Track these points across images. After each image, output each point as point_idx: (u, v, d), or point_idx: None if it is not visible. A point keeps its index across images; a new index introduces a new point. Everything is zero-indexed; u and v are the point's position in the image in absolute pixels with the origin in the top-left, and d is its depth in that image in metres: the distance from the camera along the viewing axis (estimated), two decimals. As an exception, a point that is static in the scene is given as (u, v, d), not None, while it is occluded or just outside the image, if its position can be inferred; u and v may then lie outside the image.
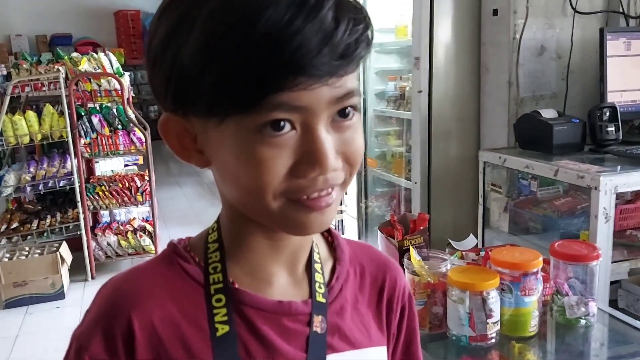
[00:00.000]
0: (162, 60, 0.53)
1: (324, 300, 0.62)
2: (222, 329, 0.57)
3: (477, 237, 1.95)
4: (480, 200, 2.11)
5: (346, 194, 5.45)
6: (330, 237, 0.69)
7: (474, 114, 2.37)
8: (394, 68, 3.03)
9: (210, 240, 0.61)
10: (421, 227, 1.45)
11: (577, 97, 2.19)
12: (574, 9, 2.14)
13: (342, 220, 5.00)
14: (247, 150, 0.51)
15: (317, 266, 0.64)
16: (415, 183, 2.40)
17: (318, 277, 0.63)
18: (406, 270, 1.36)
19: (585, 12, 2.16)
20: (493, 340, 1.26)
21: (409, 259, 1.36)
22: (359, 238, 3.29)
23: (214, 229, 0.62)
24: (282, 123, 0.50)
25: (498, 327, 1.27)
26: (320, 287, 0.63)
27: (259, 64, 0.47)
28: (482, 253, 1.60)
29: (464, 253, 1.63)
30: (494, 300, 1.27)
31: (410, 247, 1.38)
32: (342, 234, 4.79)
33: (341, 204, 5.01)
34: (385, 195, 3.23)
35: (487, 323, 1.25)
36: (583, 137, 1.96)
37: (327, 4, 0.48)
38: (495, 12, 2.19)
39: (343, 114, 0.54)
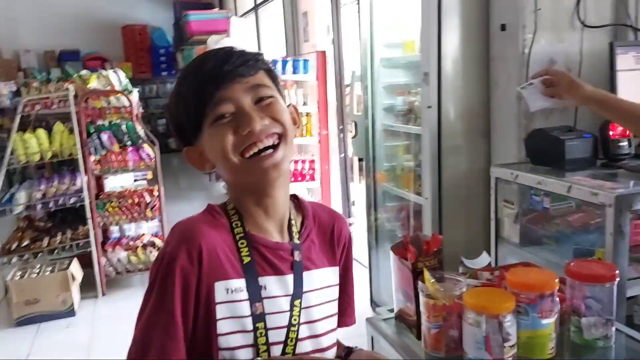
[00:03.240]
0: (170, 118, 1.04)
1: (298, 242, 1.05)
2: (246, 259, 0.97)
3: (489, 253, 1.94)
4: (493, 215, 2.10)
5: (354, 205, 5.45)
6: (298, 202, 1.12)
7: (484, 129, 2.36)
8: (402, 82, 3.03)
9: (229, 207, 1.03)
10: (435, 249, 1.44)
11: (587, 111, 2.17)
12: (582, 22, 2.14)
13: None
14: (214, 134, 0.96)
15: (292, 222, 1.07)
16: (427, 199, 2.39)
17: (294, 228, 1.06)
18: (420, 293, 1.35)
19: (594, 26, 2.15)
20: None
21: (423, 281, 1.35)
22: (370, 252, 3.27)
23: (230, 200, 1.04)
24: (225, 114, 0.95)
25: (515, 350, 1.26)
26: (296, 234, 1.06)
27: (202, 86, 0.96)
28: (497, 272, 1.58)
29: (477, 272, 1.61)
30: (510, 323, 1.25)
31: (424, 270, 1.36)
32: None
33: (349, 217, 5.01)
34: (394, 210, 3.21)
35: (504, 346, 1.24)
36: (595, 152, 1.95)
37: (225, 50, 0.98)
38: (503, 27, 2.19)
39: (261, 101, 0.97)
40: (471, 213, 2.37)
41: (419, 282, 1.36)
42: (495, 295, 1.32)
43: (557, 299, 1.30)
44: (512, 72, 2.18)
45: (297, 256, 1.03)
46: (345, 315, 1.18)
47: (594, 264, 1.42)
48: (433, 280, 1.35)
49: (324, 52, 4.86)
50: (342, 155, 4.84)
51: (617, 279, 1.30)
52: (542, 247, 2.05)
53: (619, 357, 1.33)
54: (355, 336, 3.46)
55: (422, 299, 1.35)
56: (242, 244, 0.98)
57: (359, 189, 6.12)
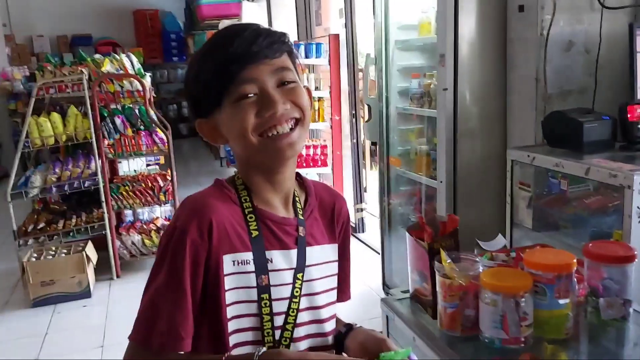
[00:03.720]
0: (188, 89, 1.03)
1: (302, 218, 1.08)
2: (255, 233, 1.00)
3: (504, 237, 1.93)
4: (508, 199, 2.09)
5: (366, 191, 5.44)
6: (301, 180, 1.14)
7: (500, 111, 2.34)
8: (417, 65, 3.00)
9: (237, 182, 1.04)
10: (451, 229, 1.44)
11: (606, 93, 2.15)
12: (601, 3, 2.10)
13: (362, 219, 5.00)
14: (236, 113, 0.96)
15: (297, 198, 1.10)
16: (441, 182, 2.38)
17: (298, 205, 1.09)
18: (437, 273, 1.35)
19: (614, 7, 2.11)
20: (526, 343, 1.25)
21: (440, 261, 1.35)
22: (382, 235, 3.28)
23: (238, 176, 1.05)
24: (248, 94, 0.95)
25: (531, 329, 1.26)
26: (300, 211, 1.09)
27: (224, 70, 0.95)
28: (513, 254, 1.58)
29: (493, 254, 1.61)
30: (527, 302, 1.25)
31: (441, 250, 1.36)
32: (363, 231, 4.75)
33: (361, 202, 5.01)
34: (407, 194, 3.21)
35: (521, 326, 1.24)
36: (613, 135, 1.93)
37: (252, 29, 0.97)
38: (521, 8, 2.16)
39: (283, 85, 0.98)
40: (486, 196, 2.36)
41: (436, 262, 1.36)
42: (513, 275, 1.32)
43: (575, 280, 1.30)
44: (530, 54, 2.15)
45: (301, 231, 1.06)
46: (341, 290, 1.20)
47: (612, 245, 1.41)
48: (449, 260, 1.35)
49: (336, 36, 4.83)
50: (354, 140, 4.83)
51: (636, 260, 1.29)
52: (558, 230, 2.04)
53: (637, 338, 1.33)
54: (366, 319, 3.47)
55: (438, 279, 1.36)
56: (250, 218, 1.00)
57: (370, 175, 6.12)
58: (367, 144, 5.71)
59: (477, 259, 1.42)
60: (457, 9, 2.22)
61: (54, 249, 3.92)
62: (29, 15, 9.81)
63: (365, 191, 5.37)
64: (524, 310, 1.25)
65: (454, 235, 1.44)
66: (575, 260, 1.28)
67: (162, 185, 4.28)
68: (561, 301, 1.28)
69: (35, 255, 3.83)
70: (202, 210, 0.95)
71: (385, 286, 3.25)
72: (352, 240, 4.83)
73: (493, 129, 2.35)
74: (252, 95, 0.95)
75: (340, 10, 4.94)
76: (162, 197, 4.22)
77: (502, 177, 2.18)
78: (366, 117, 3.20)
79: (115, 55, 4.29)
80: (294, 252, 1.04)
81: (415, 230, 1.51)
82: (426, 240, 1.43)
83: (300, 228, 1.06)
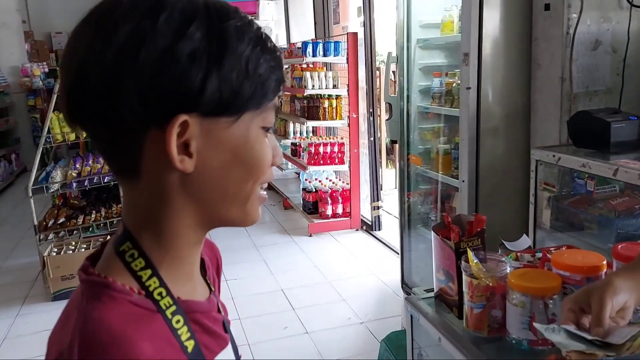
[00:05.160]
0: (181, 73, 0.57)
1: (213, 289, 0.75)
2: (190, 345, 0.62)
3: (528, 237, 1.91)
4: (532, 199, 2.07)
5: (382, 189, 5.43)
6: None
7: (524, 111, 2.32)
8: (438, 64, 2.98)
9: (130, 261, 0.61)
10: (478, 229, 1.43)
11: (633, 93, 2.12)
12: (630, 2, 2.07)
13: (378, 216, 4.99)
14: (255, 141, 0.63)
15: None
16: (463, 181, 2.36)
17: (202, 272, 0.75)
18: (464, 273, 1.35)
19: (642, 5, 2.09)
20: (554, 345, 1.24)
21: (467, 261, 1.34)
22: (401, 234, 3.27)
23: (129, 247, 0.62)
24: (269, 127, 0.65)
25: (560, 331, 1.24)
26: (207, 279, 0.75)
27: (275, 78, 0.63)
28: (538, 254, 1.57)
29: (518, 254, 1.60)
30: (556, 304, 1.24)
31: (468, 250, 1.35)
32: (379, 229, 4.75)
33: (378, 200, 5.00)
34: (427, 192, 3.19)
35: (550, 327, 1.23)
36: (641, 135, 1.90)
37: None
38: (547, 7, 2.14)
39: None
40: (509, 196, 2.34)
41: (462, 262, 1.35)
42: (541, 276, 1.31)
43: (605, 281, 1.29)
44: (555, 53, 2.13)
45: (222, 308, 0.75)
46: None
47: (642, 247, 1.39)
48: (477, 260, 1.34)
49: (355, 34, 4.82)
50: (372, 138, 4.82)
51: (668, 263, 1.27)
52: (583, 232, 2.02)
53: (667, 342, 1.31)
54: (383, 317, 3.47)
55: (465, 279, 1.35)
56: (177, 323, 0.62)
57: (387, 173, 6.11)
58: (384, 142, 5.70)
59: (504, 259, 1.41)
60: (481, 7, 2.20)
61: (74, 243, 3.97)
62: (47, 12, 9.92)
63: (381, 189, 5.37)
64: (552, 312, 1.24)
65: (480, 235, 1.43)
66: (605, 262, 1.27)
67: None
68: (590, 303, 1.27)
69: (56, 250, 3.88)
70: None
71: (404, 284, 3.24)
72: (368, 237, 4.87)
73: (516, 128, 2.33)
74: (270, 129, 0.66)
75: (359, 9, 4.93)
76: (180, 194, 4.24)
77: (524, 177, 2.16)
78: (386, 116, 3.19)
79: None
80: (229, 345, 0.72)
81: (441, 230, 1.50)
82: (453, 239, 1.43)
83: (219, 306, 0.74)
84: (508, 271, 1.35)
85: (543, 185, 2.06)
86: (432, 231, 1.51)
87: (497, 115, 2.32)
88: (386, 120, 3.16)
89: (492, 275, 1.33)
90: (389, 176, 6.12)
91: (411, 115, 3.02)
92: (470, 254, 1.35)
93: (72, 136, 3.99)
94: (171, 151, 0.57)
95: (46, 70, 8.77)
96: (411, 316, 1.56)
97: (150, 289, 0.61)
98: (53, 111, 3.96)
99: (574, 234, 2.03)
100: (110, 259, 0.62)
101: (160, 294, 0.61)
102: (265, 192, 0.68)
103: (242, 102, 0.61)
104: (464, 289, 1.37)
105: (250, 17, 0.65)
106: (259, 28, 0.65)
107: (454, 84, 2.65)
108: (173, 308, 0.61)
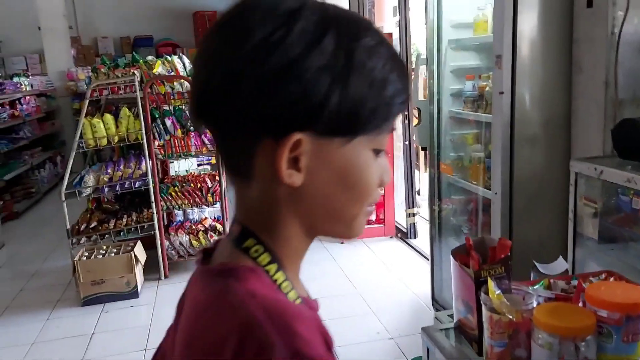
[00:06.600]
0: (306, 87, 0.55)
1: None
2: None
3: (566, 258, 1.74)
4: (571, 215, 1.88)
5: (419, 194, 5.24)
6: None
7: (564, 118, 2.13)
8: (472, 66, 2.81)
9: (256, 256, 0.61)
10: (502, 256, 1.27)
11: (687, 99, 1.90)
12: (685, -4, 1.86)
13: (414, 224, 4.81)
14: (364, 165, 0.61)
15: None
16: (496, 194, 2.19)
17: None
18: (483, 306, 1.20)
19: (700, 0, 1.87)
20: (588, 393, 1.08)
21: (487, 292, 1.19)
22: (432, 245, 3.11)
23: (254, 243, 0.62)
24: (382, 150, 0.64)
25: (595, 378, 1.08)
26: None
27: (402, 101, 0.62)
28: (574, 282, 1.40)
29: (551, 281, 1.44)
30: (589, 347, 1.08)
31: (489, 279, 1.21)
32: (415, 237, 4.58)
33: (413, 206, 4.82)
34: (460, 203, 3.02)
35: (582, 374, 1.07)
36: (696, 146, 1.69)
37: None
38: (589, 4, 1.95)
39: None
40: (546, 211, 2.16)
41: (482, 294, 1.20)
42: (572, 312, 1.15)
43: (648, 320, 1.11)
44: (598, 55, 1.94)
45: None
46: None
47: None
48: (499, 292, 1.19)
49: (390, 35, 4.66)
50: (407, 142, 4.65)
51: None
52: (627, 252, 1.82)
53: None
54: (413, 333, 3.30)
55: (485, 312, 1.20)
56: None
57: (424, 178, 5.91)
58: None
59: (530, 291, 1.25)
60: (516, 5, 2.03)
61: (104, 248, 3.98)
62: (94, 18, 10.17)
63: (418, 194, 5.18)
64: (584, 356, 1.08)
65: (504, 262, 1.27)
66: (649, 299, 1.10)
67: (210, 186, 4.26)
68: (630, 346, 1.10)
69: (87, 254, 3.90)
70: (308, 319, 0.58)
71: (435, 301, 3.07)
72: (403, 245, 4.69)
73: (555, 136, 2.15)
74: (382, 153, 0.64)
75: (395, 8, 4.77)
76: (209, 198, 4.20)
77: (563, 191, 1.98)
78: (415, 121, 3.03)
79: (167, 57, 4.31)
80: None
81: (460, 254, 1.35)
82: (472, 267, 1.28)
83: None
84: (535, 305, 1.20)
85: (584, 200, 1.87)
86: (450, 256, 1.36)
87: (534, 123, 2.14)
88: (415, 125, 3.00)
89: (516, 310, 1.18)
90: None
91: (442, 121, 2.85)
92: (491, 284, 1.20)
93: (104, 141, 4.00)
94: (281, 166, 0.57)
95: (90, 74, 8.97)
96: (427, 349, 1.42)
97: (278, 282, 0.61)
98: (85, 117, 3.98)
99: (618, 256, 1.84)
100: (234, 254, 0.62)
101: (286, 287, 0.61)
102: (372, 207, 0.66)
103: (360, 125, 0.59)
104: (484, 323, 1.22)
105: (383, 35, 0.63)
106: (391, 47, 0.63)
107: (487, 88, 2.47)
108: (299, 301, 0.62)
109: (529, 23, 2.07)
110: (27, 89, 7.40)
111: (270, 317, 0.53)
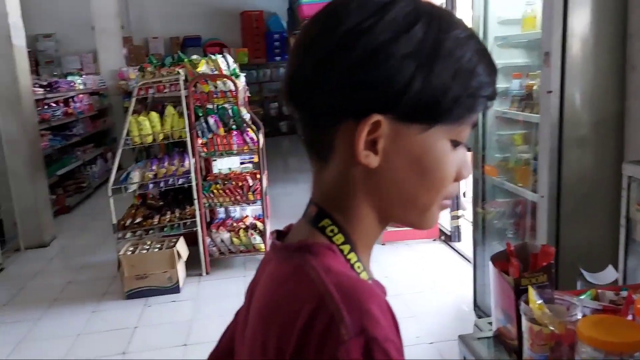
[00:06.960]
0: (391, 71, 0.58)
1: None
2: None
3: (616, 267, 1.64)
4: (623, 221, 1.77)
5: (464, 196, 5.11)
6: None
7: (616, 119, 2.02)
8: (519, 64, 2.70)
9: (331, 235, 0.63)
10: (544, 263, 1.20)
11: None
12: None
13: (458, 227, 4.70)
14: (440, 155, 0.61)
15: None
16: (542, 197, 2.10)
17: None
18: (523, 316, 1.13)
19: None
20: (636, 413, 1.00)
21: (527, 302, 1.13)
22: (475, 249, 3.02)
23: (329, 223, 0.63)
24: (462, 143, 0.64)
25: (644, 398, 1.01)
26: None
27: (487, 95, 0.62)
28: (624, 293, 1.31)
29: (599, 291, 1.35)
30: (639, 364, 1.01)
31: (530, 288, 1.14)
32: (459, 240, 4.47)
33: (457, 209, 4.70)
34: (506, 206, 2.91)
35: (629, 393, 1.00)
36: None
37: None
38: (647, -3, 1.83)
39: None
40: (595, 216, 2.05)
41: (522, 303, 1.14)
42: (620, 326, 1.07)
43: None
44: (656, 50, 1.82)
45: None
46: None
47: None
48: (540, 301, 1.13)
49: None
50: (452, 143, 4.54)
51: None
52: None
53: None
54: (452, 338, 3.21)
55: (525, 323, 1.14)
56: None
57: (469, 179, 5.77)
58: (467, 146, 5.37)
59: (575, 301, 1.18)
60: (566, 0, 1.93)
61: (148, 243, 4.06)
62: (145, 19, 10.46)
63: (464, 196, 5.05)
64: (633, 374, 1.00)
65: (547, 270, 1.20)
66: None
67: (251, 184, 4.29)
68: (685, 365, 1.02)
69: (132, 249, 3.99)
70: (380, 299, 0.58)
71: (477, 307, 2.98)
72: (446, 248, 4.59)
73: (606, 138, 2.03)
74: (462, 145, 0.65)
75: (442, 4, 4.67)
76: (250, 197, 4.23)
77: (615, 195, 1.87)
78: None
79: (212, 56, 4.36)
80: None
81: (500, 261, 1.29)
82: (512, 274, 1.22)
83: None
84: (579, 317, 1.12)
85: (637, 205, 1.76)
86: (489, 262, 1.30)
87: (584, 123, 2.04)
88: (458, 126, 2.92)
89: (559, 322, 1.11)
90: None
91: (487, 121, 2.76)
92: (531, 293, 1.14)
93: (149, 139, 4.09)
94: (359, 145, 0.59)
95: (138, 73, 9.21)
96: (464, 357, 1.36)
97: (351, 262, 0.63)
98: (132, 114, 4.08)
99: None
100: (311, 233, 0.64)
101: (359, 267, 0.63)
102: (449, 201, 0.66)
103: (440, 113, 0.60)
104: (524, 334, 1.16)
105: (474, 31, 0.65)
106: (481, 42, 0.64)
107: (535, 86, 2.37)
108: (370, 282, 0.64)
109: (579, 18, 1.97)
110: (80, 87, 7.65)
111: (344, 292, 0.55)
